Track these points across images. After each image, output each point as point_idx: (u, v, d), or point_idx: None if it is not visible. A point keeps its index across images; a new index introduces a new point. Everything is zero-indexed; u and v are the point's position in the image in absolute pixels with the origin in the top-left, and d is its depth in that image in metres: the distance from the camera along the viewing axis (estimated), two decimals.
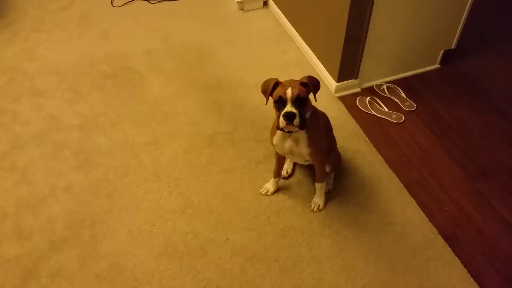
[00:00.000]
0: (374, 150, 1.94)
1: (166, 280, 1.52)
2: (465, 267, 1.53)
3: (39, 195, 1.79)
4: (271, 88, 1.40)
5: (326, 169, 1.68)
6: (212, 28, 2.69)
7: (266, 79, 1.44)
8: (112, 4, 2.90)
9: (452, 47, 2.30)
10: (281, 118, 1.35)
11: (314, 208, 1.70)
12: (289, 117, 1.33)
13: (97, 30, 2.70)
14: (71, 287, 1.51)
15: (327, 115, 1.67)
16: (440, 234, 1.63)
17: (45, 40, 2.62)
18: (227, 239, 1.63)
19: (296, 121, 1.34)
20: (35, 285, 1.51)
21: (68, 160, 1.93)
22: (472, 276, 1.51)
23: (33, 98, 2.24)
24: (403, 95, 2.21)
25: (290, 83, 1.37)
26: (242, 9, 2.82)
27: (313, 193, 1.74)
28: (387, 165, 1.88)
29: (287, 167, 1.84)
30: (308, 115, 1.42)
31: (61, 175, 1.87)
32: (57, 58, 2.49)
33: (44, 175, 1.87)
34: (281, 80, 1.41)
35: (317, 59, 2.33)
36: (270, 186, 1.77)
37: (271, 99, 1.42)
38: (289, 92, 1.34)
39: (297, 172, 1.86)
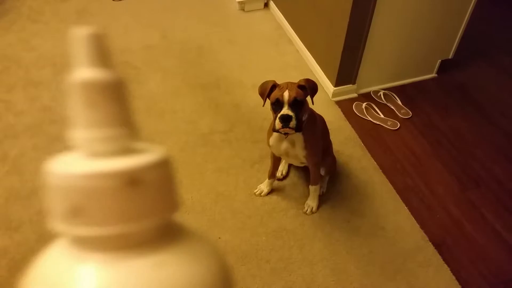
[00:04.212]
0: (369, 155, 1.95)
1: None
2: (454, 274, 1.55)
3: (30, 187, 1.77)
4: (268, 90, 1.40)
5: (321, 172, 1.68)
6: (212, 27, 2.68)
7: (264, 81, 1.44)
8: None
9: (450, 57, 2.32)
10: (277, 120, 1.35)
11: (307, 210, 1.71)
12: (285, 119, 1.34)
13: (95, 23, 2.68)
14: None
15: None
16: (430, 241, 1.64)
17: (42, 31, 2.60)
18: (219, 238, 1.62)
19: (292, 123, 1.34)
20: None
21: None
22: (460, 284, 1.52)
23: (28, 88, 2.22)
24: (399, 102, 2.23)
25: (288, 85, 1.37)
26: (243, 10, 2.82)
27: (306, 195, 1.74)
28: (380, 171, 1.89)
29: (282, 169, 1.84)
30: (305, 117, 1.42)
31: None
32: (53, 49, 2.47)
33: (36, 166, 1.85)
34: (279, 82, 1.42)
35: (315, 63, 2.33)
36: (264, 187, 1.77)
37: (268, 101, 1.43)
38: (286, 94, 1.34)
39: (291, 174, 1.87)
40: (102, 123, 0.19)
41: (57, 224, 0.20)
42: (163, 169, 0.20)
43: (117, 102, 0.19)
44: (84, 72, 0.19)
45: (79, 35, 0.19)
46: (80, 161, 0.19)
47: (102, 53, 0.20)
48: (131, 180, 0.18)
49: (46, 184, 0.20)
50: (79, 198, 0.18)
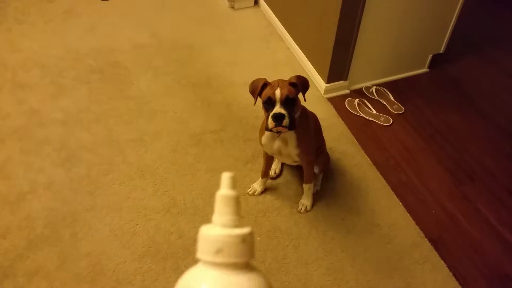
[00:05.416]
0: (362, 152, 1.94)
1: (149, 281, 1.48)
2: (450, 270, 1.54)
3: (18, 191, 1.73)
4: (259, 88, 1.38)
5: (314, 170, 1.66)
6: (202, 26, 2.65)
7: (254, 79, 1.42)
8: None
9: (441, 52, 2.32)
10: (269, 119, 1.33)
11: (301, 209, 1.69)
12: (278, 118, 1.31)
13: (83, 23, 2.63)
14: (49, 287, 1.46)
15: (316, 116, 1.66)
16: (426, 237, 1.63)
17: (29, 32, 2.55)
18: None
19: (285, 122, 1.32)
20: (10, 284, 1.45)
21: (49, 156, 1.87)
22: (457, 279, 1.51)
23: (15, 91, 2.17)
24: (391, 98, 2.22)
25: (279, 83, 1.34)
26: (233, 7, 2.79)
27: (300, 194, 1.72)
28: (374, 167, 1.88)
29: (275, 167, 1.82)
30: (297, 115, 1.40)
31: (42, 171, 1.81)
32: (41, 50, 2.42)
33: (24, 170, 1.81)
34: (270, 80, 1.39)
35: (307, 60, 2.31)
36: (257, 186, 1.74)
37: (259, 99, 1.40)
38: (278, 92, 1.32)
39: (285, 172, 1.85)
40: (229, 213, 0.41)
41: (204, 256, 0.40)
42: (252, 236, 0.42)
43: (236, 204, 0.42)
44: (224, 190, 0.42)
45: (224, 176, 0.42)
46: (219, 229, 0.41)
47: (233, 181, 0.42)
48: (243, 239, 0.40)
49: (200, 238, 0.41)
50: (220, 245, 0.40)
